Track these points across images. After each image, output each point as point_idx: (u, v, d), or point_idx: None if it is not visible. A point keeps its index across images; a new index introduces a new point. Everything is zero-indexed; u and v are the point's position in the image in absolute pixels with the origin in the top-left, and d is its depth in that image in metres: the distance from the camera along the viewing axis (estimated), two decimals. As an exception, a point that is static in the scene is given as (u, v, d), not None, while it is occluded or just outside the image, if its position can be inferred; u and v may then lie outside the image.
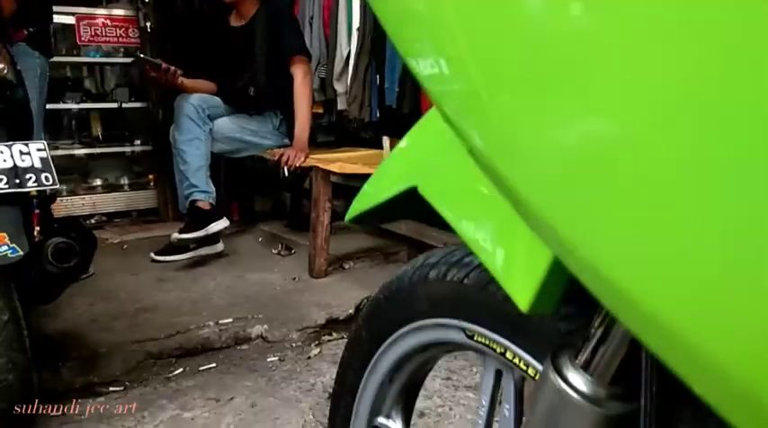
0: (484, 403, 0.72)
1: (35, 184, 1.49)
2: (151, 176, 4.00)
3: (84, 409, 1.88)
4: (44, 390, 1.87)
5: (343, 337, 2.40)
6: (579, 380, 0.44)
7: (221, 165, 3.55)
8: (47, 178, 1.51)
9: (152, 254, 3.09)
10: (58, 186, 1.54)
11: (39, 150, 1.52)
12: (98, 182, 3.91)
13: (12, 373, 1.52)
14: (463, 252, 0.72)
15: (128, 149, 3.98)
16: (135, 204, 3.99)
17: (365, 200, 0.71)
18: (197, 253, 3.11)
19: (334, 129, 3.85)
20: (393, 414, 0.90)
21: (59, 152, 3.68)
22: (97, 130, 3.94)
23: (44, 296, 1.85)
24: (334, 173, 2.77)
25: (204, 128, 3.06)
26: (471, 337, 0.69)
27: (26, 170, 1.49)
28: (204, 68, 3.14)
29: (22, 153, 1.49)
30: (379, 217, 0.77)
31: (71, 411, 1.86)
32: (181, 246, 3.07)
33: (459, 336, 0.71)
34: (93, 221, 3.77)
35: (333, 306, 2.57)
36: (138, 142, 3.98)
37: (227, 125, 3.15)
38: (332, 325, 2.49)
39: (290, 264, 3.11)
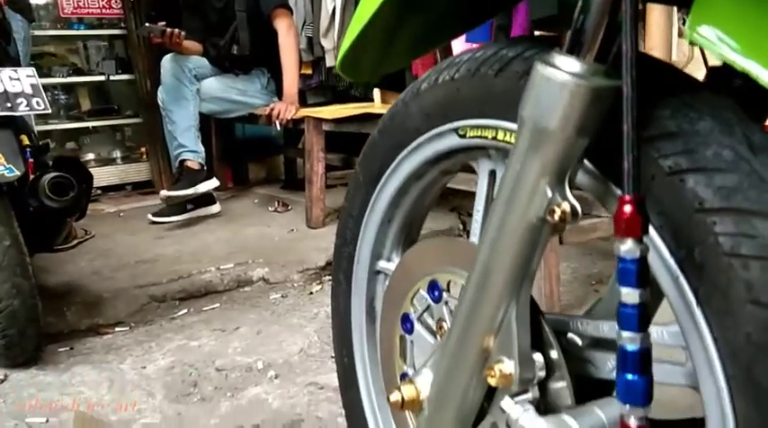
0: (479, 208, 0.73)
1: (27, 109, 1.50)
2: (143, 149, 4.00)
3: (93, 345, 1.89)
4: (49, 334, 1.89)
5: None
6: (564, 62, 0.46)
7: (211, 127, 3.56)
8: (38, 103, 1.52)
9: (149, 216, 3.10)
10: (49, 110, 1.55)
11: (29, 76, 1.52)
12: (90, 156, 3.90)
13: (16, 298, 1.53)
14: (453, 60, 0.73)
15: (117, 122, 3.97)
16: (129, 177, 3.99)
17: (351, 34, 0.71)
18: (193, 213, 3.13)
19: (323, 91, 3.84)
20: (393, 257, 0.91)
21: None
22: (86, 105, 3.93)
23: (45, 235, 1.86)
24: (326, 121, 2.77)
25: (191, 88, 3.06)
26: (464, 136, 0.70)
27: (17, 95, 1.49)
28: (189, 31, 3.13)
29: (11, 78, 1.49)
30: (371, 61, 0.78)
31: (78, 346, 1.88)
32: (177, 207, 3.08)
33: (452, 140, 0.72)
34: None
35: (332, 250, 2.57)
36: (129, 114, 3.97)
37: (213, 85, 3.15)
38: (331, 266, 2.50)
39: (287, 219, 3.12)
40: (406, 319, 0.79)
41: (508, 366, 0.56)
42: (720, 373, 0.46)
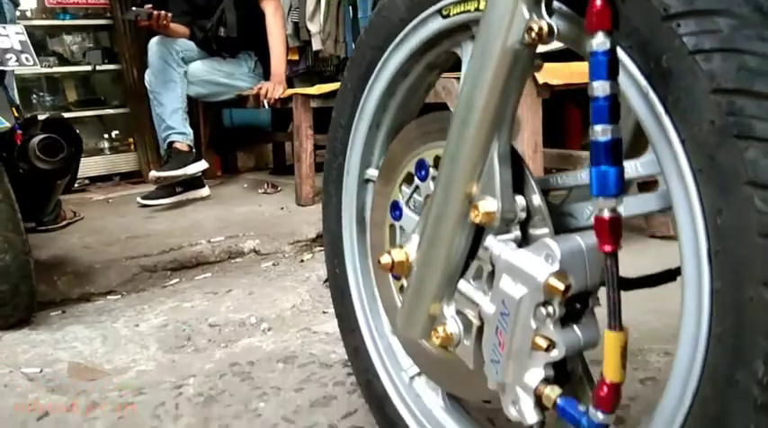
0: (464, 93, 0.76)
1: (16, 64, 1.51)
2: (131, 139, 4.00)
3: (85, 309, 1.90)
4: (40, 302, 1.89)
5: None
6: None
7: (198, 114, 3.58)
8: (27, 59, 1.53)
9: (138, 199, 3.10)
10: (38, 67, 1.57)
11: (17, 33, 1.54)
12: (78, 147, 3.90)
13: (8, 253, 1.54)
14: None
15: (104, 113, 3.97)
16: (117, 167, 3.99)
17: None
18: (183, 196, 3.14)
19: (311, 76, 3.87)
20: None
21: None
22: (72, 96, 3.93)
23: (36, 201, 1.87)
24: (314, 98, 2.80)
25: (179, 70, 3.08)
26: (447, 15, 0.73)
27: (6, 50, 1.51)
28: (175, 14, 3.16)
29: (0, 35, 1.51)
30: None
31: (70, 310, 1.89)
32: (166, 190, 3.09)
33: (436, 23, 0.75)
34: (75, 185, 3.76)
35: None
36: (115, 104, 3.97)
37: (200, 68, 3.17)
38: (322, 238, 2.52)
39: (276, 198, 3.14)
40: (395, 207, 0.81)
41: (491, 203, 0.59)
42: (689, 173, 0.49)
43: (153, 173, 2.97)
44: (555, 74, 1.79)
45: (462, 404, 0.88)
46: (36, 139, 1.66)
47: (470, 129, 0.59)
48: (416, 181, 0.77)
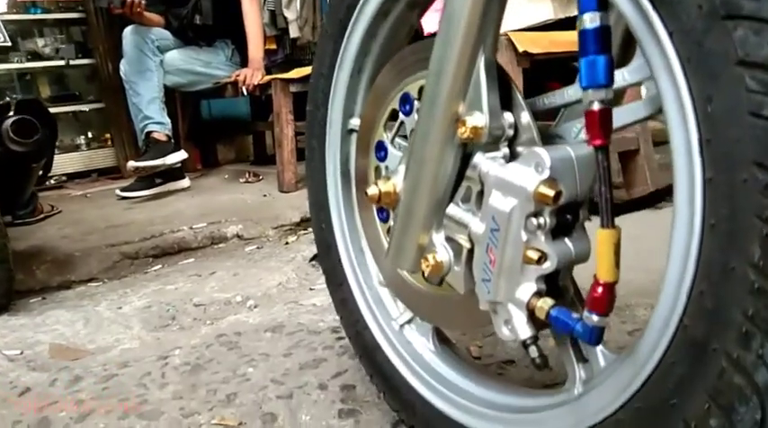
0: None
1: (-13, 40, 1.47)
2: (108, 135, 3.94)
3: (66, 295, 1.86)
4: (18, 291, 1.85)
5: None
6: None
7: (176, 106, 3.53)
8: (-1, 35, 1.49)
9: (117, 191, 3.06)
10: (9, 43, 1.53)
11: (-13, 10, 1.50)
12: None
13: (-16, 234, 1.50)
14: None
15: (79, 108, 3.91)
16: (94, 163, 3.93)
17: None
18: (163, 188, 3.09)
19: (290, 65, 3.84)
20: (365, 113, 0.93)
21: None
22: (45, 92, 3.86)
23: (12, 185, 1.83)
24: (294, 82, 2.78)
25: (154, 59, 3.04)
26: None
27: (-24, 27, 1.47)
28: (150, 2, 3.11)
29: (-31, 11, 1.47)
30: None
31: (51, 296, 1.85)
32: (146, 182, 3.04)
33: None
34: (52, 181, 3.70)
35: (306, 208, 2.57)
36: (91, 99, 3.91)
37: (177, 57, 3.13)
38: (306, 223, 2.50)
39: (259, 187, 3.11)
40: (379, 148, 0.80)
41: (478, 118, 0.58)
42: (677, 66, 0.48)
43: (131, 163, 2.93)
44: (535, 43, 1.79)
45: (451, 347, 0.87)
46: (9, 121, 1.63)
47: (454, 43, 0.58)
48: (401, 116, 0.75)
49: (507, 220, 0.56)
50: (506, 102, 0.60)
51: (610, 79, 0.46)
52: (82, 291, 1.88)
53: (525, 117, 0.59)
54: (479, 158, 0.59)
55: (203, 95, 3.47)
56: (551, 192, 0.53)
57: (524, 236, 0.56)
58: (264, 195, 2.89)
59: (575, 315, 0.53)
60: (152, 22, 3.09)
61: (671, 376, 0.51)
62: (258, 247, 2.25)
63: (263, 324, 1.41)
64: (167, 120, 3.05)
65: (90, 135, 4.00)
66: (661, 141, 1.94)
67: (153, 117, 2.99)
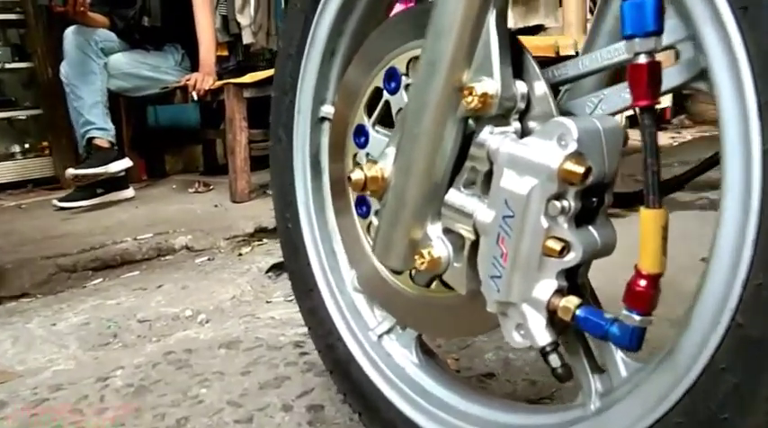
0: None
1: None
2: (45, 143, 3.71)
3: (-9, 312, 1.68)
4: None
5: (275, 240, 2.30)
6: None
7: (121, 112, 3.35)
8: None
9: (55, 201, 2.85)
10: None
11: None
12: (-15, 152, 3.58)
13: None
14: None
15: (15, 115, 3.66)
16: (30, 173, 3.67)
17: None
18: (104, 198, 2.90)
19: (243, 72, 3.71)
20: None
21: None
22: (-23, 97, 3.61)
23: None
24: (248, 86, 2.66)
25: (98, 61, 2.87)
26: None
27: None
28: (94, 2, 2.94)
29: None
30: None
31: (-26, 313, 1.66)
32: (86, 191, 2.85)
33: None
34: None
35: (261, 218, 2.46)
36: (27, 105, 3.67)
37: (122, 60, 2.96)
38: (261, 233, 2.38)
39: (209, 197, 2.96)
40: (359, 132, 0.71)
41: (488, 84, 0.49)
42: (730, 19, 0.41)
43: (70, 171, 2.73)
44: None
45: (436, 359, 0.77)
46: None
47: (458, -4, 0.49)
48: (386, 95, 0.66)
49: (524, 205, 0.47)
50: (517, 71, 0.52)
51: (660, 26, 0.39)
52: (12, 308, 1.70)
53: (540, 87, 0.51)
54: (487, 135, 0.51)
55: (150, 101, 3.30)
56: (580, 169, 0.44)
57: (545, 223, 0.47)
58: (216, 205, 2.74)
59: (607, 314, 0.45)
60: (96, 23, 2.92)
61: (721, 384, 0.43)
62: (209, 259, 2.10)
63: (216, 339, 1.28)
64: (111, 126, 2.87)
65: (26, 143, 3.75)
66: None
67: (95, 122, 2.81)
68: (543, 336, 0.48)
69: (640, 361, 0.54)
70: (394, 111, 0.65)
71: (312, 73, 0.82)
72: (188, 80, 2.85)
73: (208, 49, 2.89)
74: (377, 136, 0.69)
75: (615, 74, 0.58)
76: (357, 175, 0.58)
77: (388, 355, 0.77)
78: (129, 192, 3.02)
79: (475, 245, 0.53)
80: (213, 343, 1.26)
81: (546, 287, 0.48)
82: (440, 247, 0.56)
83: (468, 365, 1.09)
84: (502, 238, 0.49)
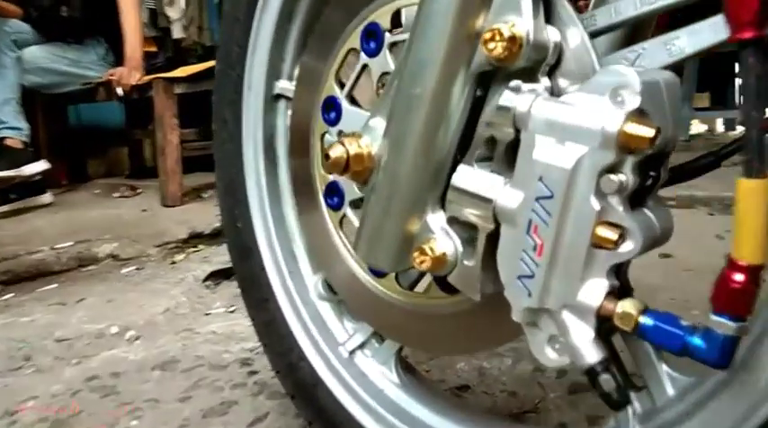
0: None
1: None
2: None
3: None
4: None
5: (211, 246, 2.13)
6: None
7: (37, 111, 3.07)
8: None
9: (-42, 208, 2.56)
10: None
11: None
12: None
13: None
14: None
15: None
16: (-68, 178, 3.32)
17: None
18: (18, 204, 2.63)
19: (172, 69, 3.50)
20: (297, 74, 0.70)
21: None
22: None
23: None
24: (179, 81, 2.47)
25: (10, 55, 2.61)
26: None
27: None
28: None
29: None
30: None
31: None
32: (-4, 196, 2.58)
33: None
34: None
35: (195, 222, 2.27)
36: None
37: (38, 54, 2.70)
38: (196, 239, 2.20)
39: (137, 201, 2.74)
40: (329, 106, 0.58)
41: (518, 25, 0.38)
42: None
43: (-22, 175, 2.46)
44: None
45: (419, 377, 0.66)
46: None
47: None
48: (364, 59, 0.54)
49: (568, 181, 0.36)
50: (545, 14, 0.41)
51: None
52: None
53: (576, 35, 0.40)
54: (510, 94, 0.39)
55: (70, 99, 3.04)
56: (649, 131, 0.34)
57: (596, 204, 0.36)
58: (144, 210, 2.54)
59: (684, 321, 0.35)
60: (7, 13, 2.66)
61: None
62: (138, 268, 1.91)
63: (148, 360, 1.12)
64: (25, 125, 2.61)
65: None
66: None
67: (6, 121, 2.55)
68: (591, 352, 0.37)
69: (691, 374, 0.44)
70: (374, 77, 0.53)
71: (265, 40, 0.69)
72: (112, 75, 2.63)
73: (134, 42, 2.67)
74: (352, 110, 0.56)
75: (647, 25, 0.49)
76: (337, 152, 0.46)
77: (362, 375, 0.65)
78: (47, 198, 2.76)
79: (493, 236, 0.41)
80: (145, 363, 1.09)
81: (595, 288, 0.37)
82: (444, 241, 0.44)
83: (440, 377, 0.98)
84: (535, 226, 0.38)
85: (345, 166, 0.46)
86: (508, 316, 0.43)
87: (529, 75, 0.40)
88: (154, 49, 3.35)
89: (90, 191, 3.19)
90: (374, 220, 0.46)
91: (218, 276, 1.70)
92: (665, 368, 0.44)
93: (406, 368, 0.65)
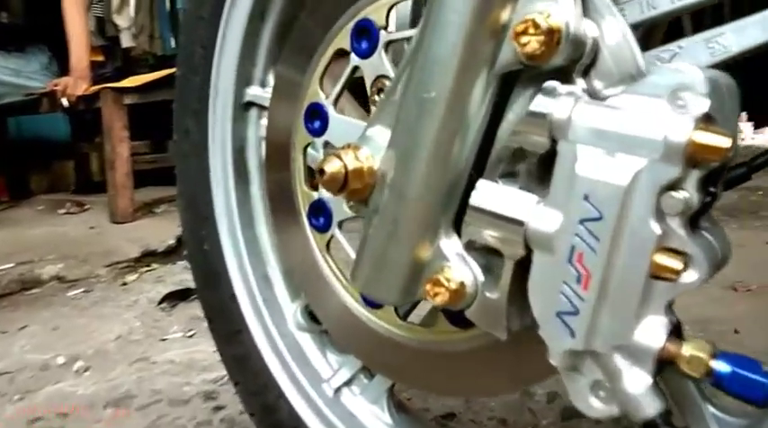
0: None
1: None
2: None
3: None
4: None
5: (166, 265, 2.01)
6: None
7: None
8: None
9: None
10: None
11: None
12: None
13: None
14: None
15: None
16: None
17: None
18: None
19: (121, 80, 3.36)
20: (270, 80, 0.63)
21: None
22: None
23: None
24: (129, 92, 2.35)
25: (-56, 63, 2.44)
26: None
27: None
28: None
29: None
30: None
31: None
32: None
33: None
34: None
35: (148, 240, 2.15)
36: None
37: (-25, 63, 2.55)
38: (149, 258, 2.08)
39: (84, 218, 2.59)
40: (314, 114, 0.51)
41: (557, 15, 0.32)
42: None
43: None
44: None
45: (414, 415, 0.59)
46: None
47: None
48: (354, 60, 0.47)
49: (623, 199, 0.30)
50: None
51: None
52: None
53: (615, 29, 0.34)
54: (545, 98, 0.33)
55: (11, 110, 2.87)
56: (725, 142, 0.28)
57: (657, 228, 0.30)
58: (92, 228, 2.40)
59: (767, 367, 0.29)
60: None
61: None
62: (86, 291, 1.78)
63: (99, 395, 1.02)
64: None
65: None
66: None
67: (-62, 133, 2.37)
68: (650, 402, 0.31)
69: (740, 416, 0.38)
70: (368, 80, 0.47)
71: (234, 42, 0.61)
72: (56, 85, 2.49)
73: (79, 50, 2.54)
74: (340, 117, 0.49)
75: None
76: (334, 167, 0.39)
77: (350, 415, 0.58)
78: (-15, 216, 2.58)
79: (522, 264, 0.35)
80: (95, 400, 0.99)
81: (654, 326, 0.31)
82: (461, 270, 0.37)
83: (424, 405, 0.92)
84: (579, 254, 0.32)
85: (343, 183, 0.39)
86: (536, 355, 0.36)
87: (561, 75, 0.34)
88: (101, 58, 3.21)
89: (33, 207, 3.01)
90: (377, 246, 0.39)
91: (174, 297, 1.60)
92: (710, 409, 0.39)
93: (399, 406, 0.58)
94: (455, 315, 0.42)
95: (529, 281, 0.35)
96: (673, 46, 0.39)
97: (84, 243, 2.15)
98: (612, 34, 0.35)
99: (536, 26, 0.32)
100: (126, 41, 3.03)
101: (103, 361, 1.23)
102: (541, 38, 0.32)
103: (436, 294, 0.38)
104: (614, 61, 0.35)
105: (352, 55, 0.47)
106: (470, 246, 0.38)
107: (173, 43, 2.92)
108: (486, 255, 0.37)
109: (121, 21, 3.01)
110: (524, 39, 0.32)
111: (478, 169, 0.38)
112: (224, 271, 0.65)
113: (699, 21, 0.42)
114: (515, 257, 0.36)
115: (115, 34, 3.06)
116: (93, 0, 3.12)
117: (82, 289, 1.79)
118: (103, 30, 3.12)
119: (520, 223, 0.35)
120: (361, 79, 0.48)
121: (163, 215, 2.59)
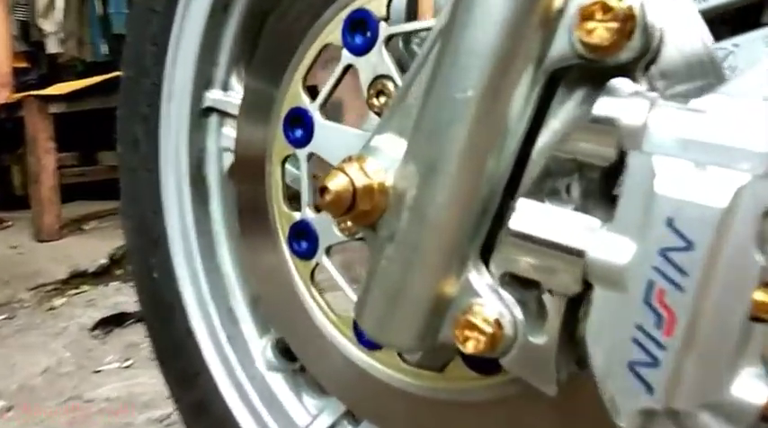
0: None
1: None
2: None
3: None
4: None
5: (98, 287, 1.86)
6: None
7: None
8: None
9: None
10: None
11: None
12: None
13: None
14: None
15: None
16: None
17: None
18: None
19: (46, 87, 3.14)
20: (234, 82, 0.55)
21: None
22: None
23: None
24: (55, 100, 2.18)
25: None
26: None
27: None
28: None
29: None
30: None
31: None
32: None
33: None
34: None
35: (77, 259, 1.99)
36: None
37: None
38: (78, 279, 1.92)
39: (4, 236, 2.39)
40: (295, 121, 0.44)
41: None
42: None
43: None
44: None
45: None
46: None
47: None
48: (348, 58, 0.40)
49: (718, 226, 0.25)
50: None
51: None
52: None
53: (682, 17, 0.29)
54: (610, 101, 0.27)
55: None
56: None
57: (760, 260, 0.25)
58: (13, 247, 2.21)
59: None
60: None
61: None
62: (8, 318, 1.63)
63: (25, 442, 0.89)
64: None
65: None
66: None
67: None
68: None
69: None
70: (364, 81, 0.39)
71: (192, 38, 0.53)
72: (-27, 91, 2.29)
73: (2, 57, 2.34)
74: (329, 125, 0.42)
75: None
76: (340, 184, 0.31)
77: (333, 470, 0.50)
78: None
79: (576, 303, 0.29)
80: (20, 448, 0.87)
81: (753, 378, 0.26)
82: (496, 308, 0.31)
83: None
84: (659, 291, 0.26)
85: (351, 204, 0.31)
86: (586, 409, 0.30)
87: (626, 71, 0.28)
88: (25, 64, 3.01)
89: (-56, 225, 2.75)
90: (391, 280, 0.32)
91: (108, 323, 1.48)
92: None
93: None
94: (474, 359, 0.35)
95: (588, 325, 0.29)
96: (726, 44, 0.34)
97: (4, 264, 1.97)
98: (680, 23, 0.29)
99: (605, 9, 0.26)
100: (52, 47, 2.85)
101: (29, 400, 1.10)
102: (613, 24, 0.26)
103: (467, 339, 0.31)
104: (680, 55, 0.29)
105: (344, 51, 0.40)
106: (508, 279, 0.31)
107: (104, 49, 2.76)
108: (521, 290, 0.31)
109: (47, 25, 2.83)
110: (590, 25, 0.26)
111: (508, 187, 0.32)
112: (178, 304, 0.56)
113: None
114: (569, 294, 0.29)
115: (40, 39, 2.87)
116: (16, 3, 2.92)
117: (4, 316, 1.63)
118: (28, 34, 2.92)
119: (577, 253, 0.28)
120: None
121: (92, 232, 2.41)
